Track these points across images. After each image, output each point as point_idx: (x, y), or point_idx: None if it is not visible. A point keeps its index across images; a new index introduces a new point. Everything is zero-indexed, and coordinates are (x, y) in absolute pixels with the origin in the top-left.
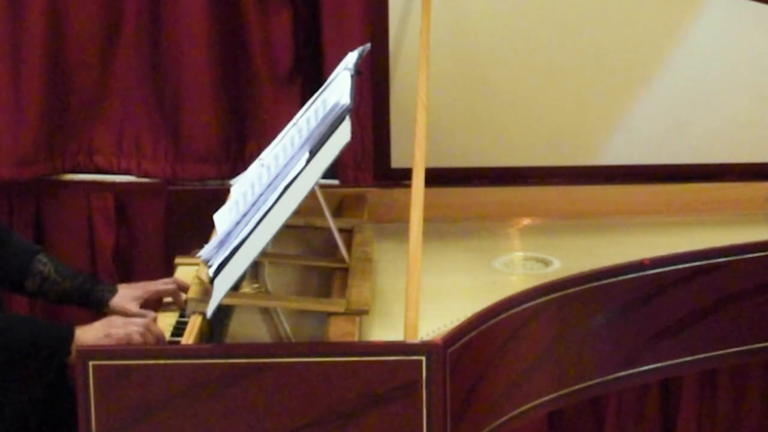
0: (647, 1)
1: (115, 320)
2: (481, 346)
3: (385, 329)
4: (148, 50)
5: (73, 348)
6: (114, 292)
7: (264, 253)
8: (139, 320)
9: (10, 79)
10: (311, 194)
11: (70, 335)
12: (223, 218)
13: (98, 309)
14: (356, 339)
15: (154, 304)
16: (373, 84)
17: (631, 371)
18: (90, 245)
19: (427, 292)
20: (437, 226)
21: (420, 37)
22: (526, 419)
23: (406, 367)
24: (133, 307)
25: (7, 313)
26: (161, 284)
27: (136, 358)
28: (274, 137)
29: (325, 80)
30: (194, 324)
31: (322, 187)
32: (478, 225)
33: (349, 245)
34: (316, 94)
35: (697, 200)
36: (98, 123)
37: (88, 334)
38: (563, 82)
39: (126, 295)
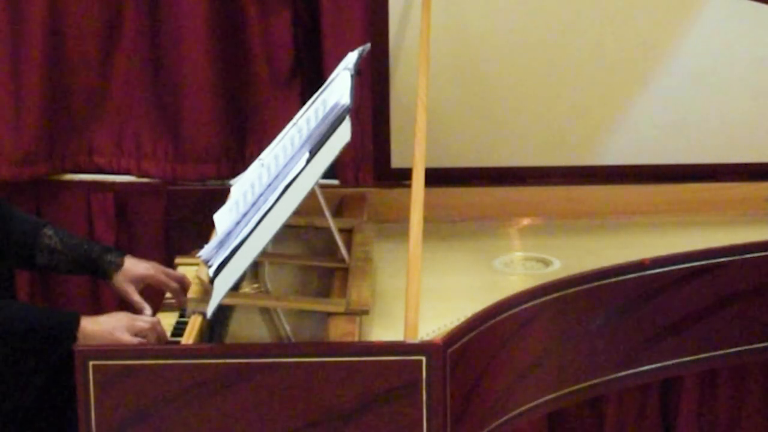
0: (647, 2)
1: (121, 319)
2: (481, 346)
3: (385, 329)
4: (148, 50)
5: (79, 336)
6: (119, 266)
7: (264, 253)
8: (147, 319)
9: (10, 79)
10: (311, 194)
11: (75, 323)
12: (223, 218)
13: (106, 278)
14: (356, 339)
15: (155, 297)
16: (373, 84)
17: (631, 371)
18: None
19: (427, 292)
20: (437, 226)
21: (420, 37)
22: (526, 419)
23: (406, 367)
24: (133, 292)
25: (10, 300)
26: (168, 279)
27: (136, 358)
28: (274, 137)
29: (325, 80)
30: (194, 324)
31: (322, 187)
32: (478, 225)
33: (349, 245)
34: (316, 94)
35: (697, 200)
36: (98, 123)
37: (94, 326)
38: (563, 82)
39: (129, 273)
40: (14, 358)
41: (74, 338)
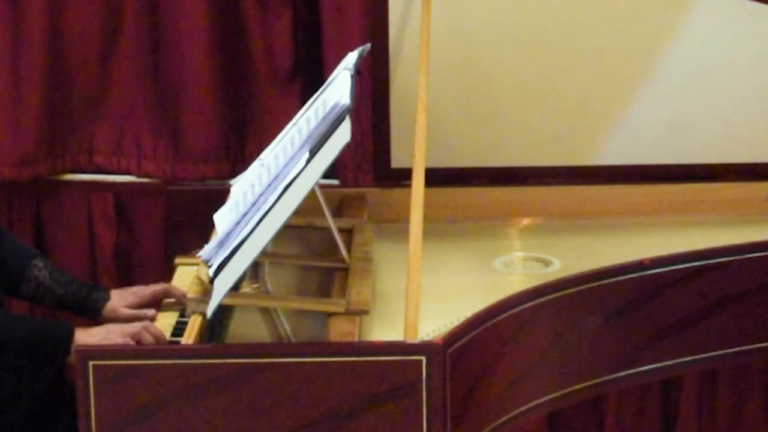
0: (647, 1)
1: (111, 326)
2: (481, 346)
3: (385, 329)
4: (148, 50)
5: (73, 348)
6: (107, 300)
7: (264, 253)
8: (137, 323)
9: (10, 79)
10: (311, 194)
11: (70, 335)
12: (223, 218)
13: (93, 317)
14: (356, 339)
15: (153, 305)
16: (373, 84)
17: (631, 371)
18: (90, 245)
19: (427, 292)
20: (437, 226)
21: (420, 37)
22: (526, 419)
23: (406, 367)
24: (125, 311)
25: (5, 311)
26: (154, 286)
27: (136, 358)
28: (274, 137)
29: (325, 80)
30: (194, 324)
31: (322, 187)
32: (478, 225)
33: (349, 245)
34: (316, 94)
35: (697, 200)
36: (98, 123)
37: (87, 338)
38: (563, 82)
39: (118, 301)
40: (7, 371)
41: (68, 351)
